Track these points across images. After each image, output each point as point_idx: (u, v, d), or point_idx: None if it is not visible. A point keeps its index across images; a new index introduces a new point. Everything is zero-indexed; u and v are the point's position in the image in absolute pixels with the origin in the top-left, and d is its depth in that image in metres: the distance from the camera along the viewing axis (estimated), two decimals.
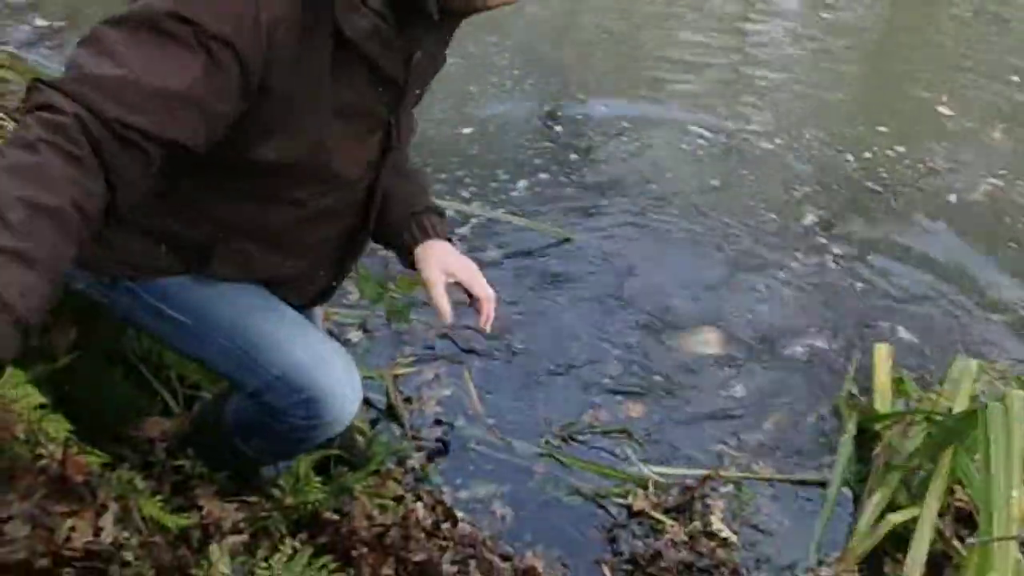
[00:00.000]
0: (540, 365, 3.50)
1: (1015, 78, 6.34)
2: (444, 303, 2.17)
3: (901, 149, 5.30)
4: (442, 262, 2.23)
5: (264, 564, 2.11)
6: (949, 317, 4.01)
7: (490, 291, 2.25)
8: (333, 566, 2.19)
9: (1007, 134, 5.63)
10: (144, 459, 2.37)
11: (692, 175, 4.90)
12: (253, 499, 2.36)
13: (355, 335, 3.45)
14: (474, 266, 2.27)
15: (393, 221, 2.27)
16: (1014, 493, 2.53)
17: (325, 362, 2.12)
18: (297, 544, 2.19)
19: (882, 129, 5.49)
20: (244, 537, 2.20)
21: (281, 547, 2.16)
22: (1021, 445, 2.60)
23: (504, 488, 3.02)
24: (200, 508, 2.24)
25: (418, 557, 2.49)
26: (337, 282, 2.35)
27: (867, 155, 5.22)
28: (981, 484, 2.62)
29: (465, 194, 4.47)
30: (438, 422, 3.20)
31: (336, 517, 2.44)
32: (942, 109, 5.83)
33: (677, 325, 3.82)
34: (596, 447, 3.20)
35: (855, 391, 3.51)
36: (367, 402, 3.09)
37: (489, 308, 2.25)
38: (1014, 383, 3.10)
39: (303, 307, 2.28)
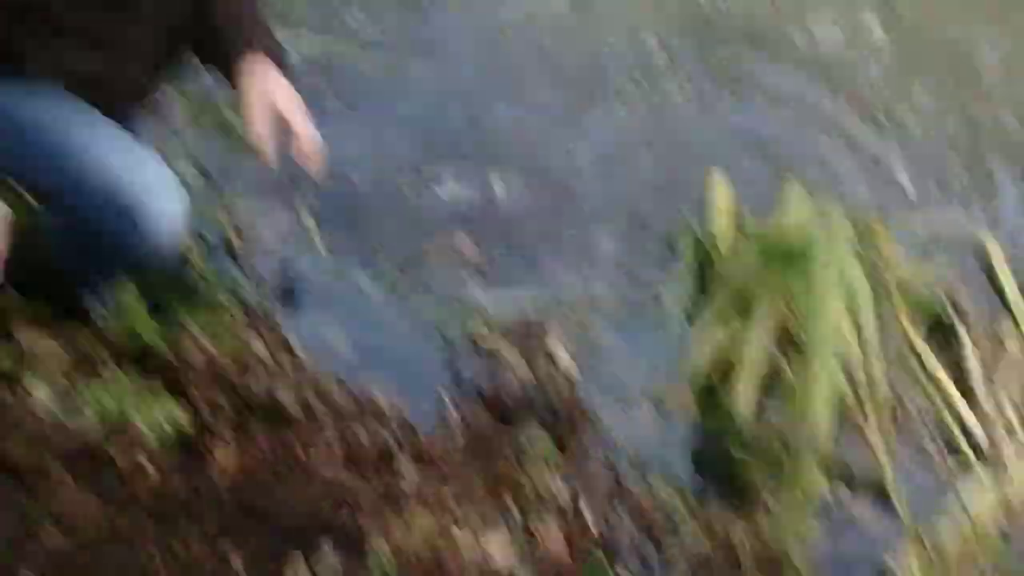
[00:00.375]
0: (374, 198, 3.45)
1: None
2: (264, 142, 2.13)
3: None
4: (266, 93, 2.13)
5: (87, 392, 2.07)
6: (790, 153, 4.07)
7: (312, 131, 2.19)
8: (162, 391, 2.16)
9: None
10: None
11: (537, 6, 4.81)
12: (75, 330, 2.29)
13: (182, 165, 3.28)
14: (299, 101, 2.20)
15: (219, 32, 2.19)
16: (833, 304, 2.63)
17: (139, 166, 2.05)
18: (122, 375, 2.15)
19: None
20: (65, 367, 2.15)
21: (105, 375, 2.11)
22: (844, 266, 2.70)
23: (343, 320, 2.99)
24: (17, 341, 2.18)
25: (255, 388, 2.48)
26: (154, 85, 2.26)
27: None
28: (808, 305, 2.70)
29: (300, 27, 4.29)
30: (276, 259, 3.15)
31: (166, 349, 2.39)
32: None
33: (510, 158, 3.78)
34: (435, 277, 3.20)
35: (692, 220, 3.56)
36: (199, 236, 3.02)
37: (309, 149, 2.20)
38: (842, 212, 3.19)
39: (117, 116, 2.17)
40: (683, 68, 4.48)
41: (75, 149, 2.01)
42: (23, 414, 1.90)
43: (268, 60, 2.18)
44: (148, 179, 2.05)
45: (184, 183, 2.82)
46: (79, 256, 2.18)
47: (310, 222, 3.25)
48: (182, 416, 2.21)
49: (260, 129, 2.11)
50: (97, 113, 2.07)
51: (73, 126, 2.03)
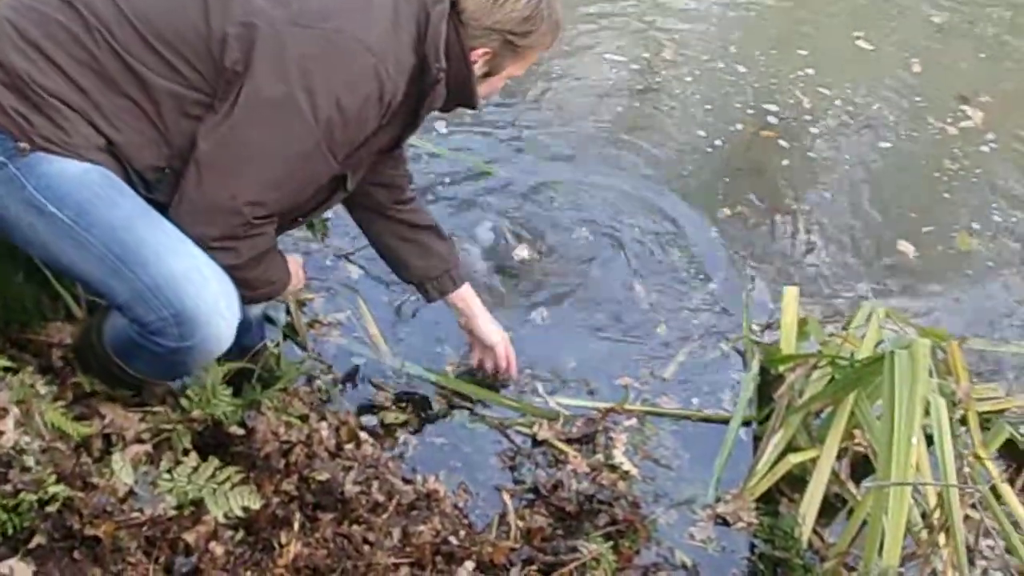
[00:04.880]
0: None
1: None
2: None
3: (825, 91, 5.33)
4: (481, 332, 3.08)
5: (167, 475, 2.07)
6: (858, 263, 4.08)
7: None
8: (237, 479, 2.15)
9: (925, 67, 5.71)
10: (46, 365, 2.30)
11: (611, 109, 4.88)
12: (158, 409, 2.31)
13: None
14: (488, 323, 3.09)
15: (427, 283, 2.97)
16: (913, 440, 2.58)
17: (199, 277, 2.11)
18: (199, 459, 2.15)
19: (810, 71, 5.50)
20: (147, 447, 2.15)
21: (184, 459, 2.11)
22: (923, 393, 2.65)
23: (407, 415, 3.01)
24: (102, 416, 2.19)
25: (322, 476, 2.47)
26: None
27: (790, 98, 5.23)
28: (882, 429, 2.65)
29: None
30: (342, 350, 3.19)
31: (241, 432, 2.39)
32: (861, 43, 5.87)
33: (588, 258, 3.83)
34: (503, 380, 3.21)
35: (760, 331, 3.55)
36: (269, 321, 3.07)
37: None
38: (917, 332, 3.15)
39: None
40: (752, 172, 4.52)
41: (139, 249, 2.08)
42: (108, 493, 1.90)
43: (464, 292, 3.02)
44: (209, 299, 2.13)
45: None
46: (140, 360, 2.26)
47: (368, 314, 3.29)
48: (253, 504, 2.19)
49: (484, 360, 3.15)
50: (167, 221, 2.15)
51: (141, 228, 2.10)
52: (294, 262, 2.72)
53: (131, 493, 1.95)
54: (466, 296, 3.04)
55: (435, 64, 2.28)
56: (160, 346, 2.14)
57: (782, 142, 4.84)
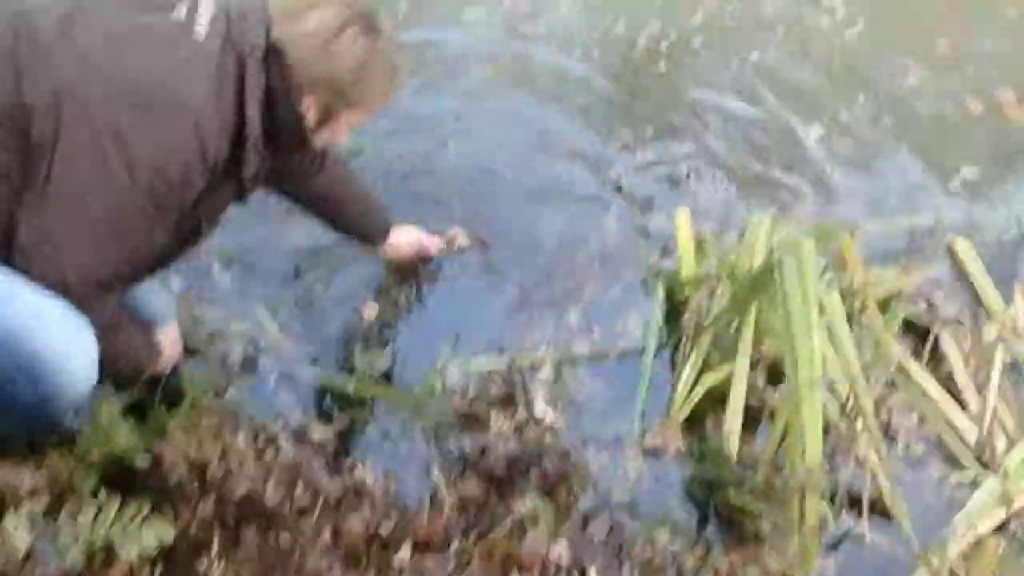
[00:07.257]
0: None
1: None
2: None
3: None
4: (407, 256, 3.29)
5: (71, 524, 2.02)
6: (742, 179, 4.10)
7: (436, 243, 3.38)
8: (146, 512, 2.11)
9: None
10: None
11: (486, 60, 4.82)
12: (53, 457, 2.24)
13: None
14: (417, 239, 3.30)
15: (359, 236, 3.16)
16: (814, 339, 2.60)
17: (40, 318, 2.01)
18: (105, 500, 2.10)
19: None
20: (45, 499, 2.09)
21: (86, 505, 2.06)
22: (815, 291, 2.67)
23: (322, 412, 2.95)
24: None
25: (240, 490, 2.43)
26: None
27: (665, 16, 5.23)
28: (784, 334, 2.68)
29: None
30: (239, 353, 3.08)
31: (147, 463, 2.34)
32: None
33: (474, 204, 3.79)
34: (411, 347, 3.16)
35: (658, 259, 3.55)
36: None
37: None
38: (810, 231, 3.17)
39: None
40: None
41: None
42: (3, 558, 1.84)
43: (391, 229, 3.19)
44: (48, 328, 2.02)
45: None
46: (6, 419, 2.18)
47: (269, 320, 3.21)
48: (170, 535, 2.15)
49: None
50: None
51: None
52: (172, 332, 2.62)
53: (31, 553, 1.90)
54: (395, 241, 3.23)
55: (249, 113, 2.14)
56: (19, 402, 2.07)
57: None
